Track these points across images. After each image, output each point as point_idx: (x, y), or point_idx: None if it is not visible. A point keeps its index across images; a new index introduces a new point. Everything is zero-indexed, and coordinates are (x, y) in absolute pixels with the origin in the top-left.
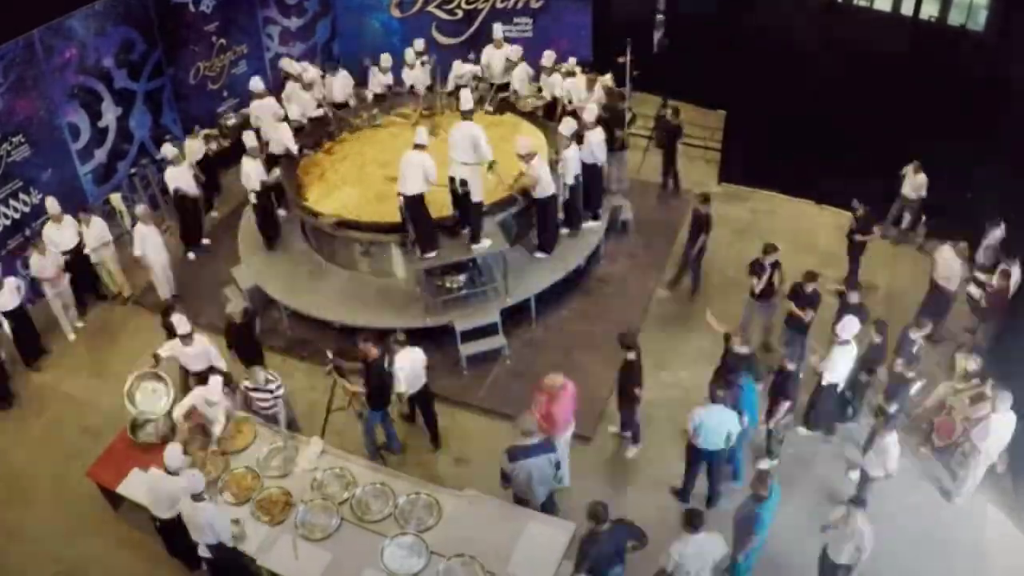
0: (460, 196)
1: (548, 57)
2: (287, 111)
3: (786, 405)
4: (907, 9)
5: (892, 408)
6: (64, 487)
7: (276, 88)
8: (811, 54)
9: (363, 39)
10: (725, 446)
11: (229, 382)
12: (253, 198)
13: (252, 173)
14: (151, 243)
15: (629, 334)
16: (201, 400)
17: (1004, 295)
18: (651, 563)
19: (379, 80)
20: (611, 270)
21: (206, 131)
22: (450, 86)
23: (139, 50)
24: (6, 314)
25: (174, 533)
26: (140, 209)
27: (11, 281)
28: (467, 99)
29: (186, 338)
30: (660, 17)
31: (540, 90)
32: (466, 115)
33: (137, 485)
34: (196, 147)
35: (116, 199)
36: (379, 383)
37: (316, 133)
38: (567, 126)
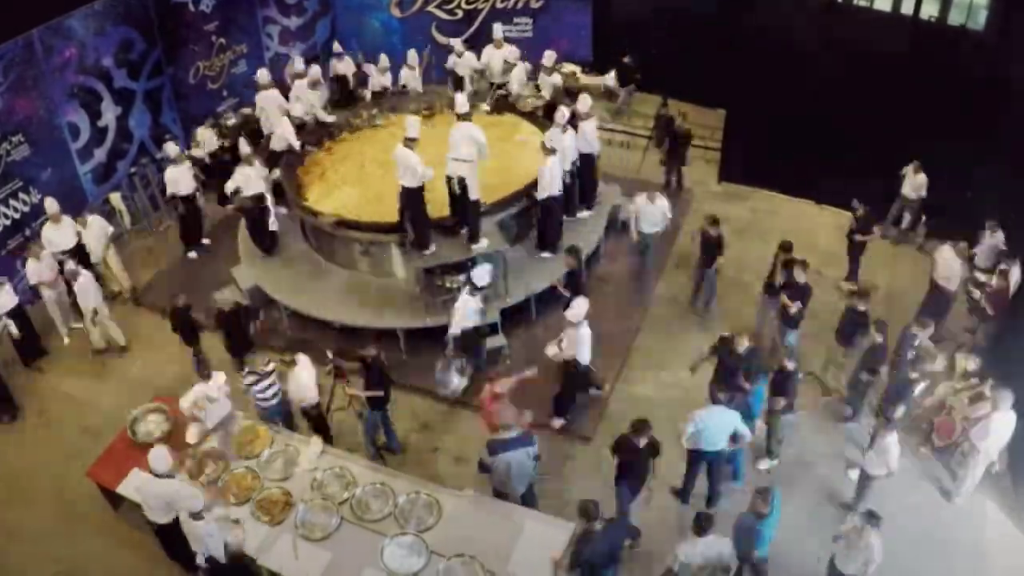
0: (457, 196)
1: (548, 57)
2: (291, 109)
3: (782, 403)
4: (907, 9)
5: (899, 411)
6: (64, 487)
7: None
8: (811, 54)
9: (363, 38)
10: (729, 447)
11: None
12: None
13: (244, 180)
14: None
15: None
16: (203, 395)
17: (1004, 295)
18: (648, 563)
19: (378, 80)
20: (611, 269)
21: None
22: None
23: (138, 49)
24: (8, 314)
25: (171, 536)
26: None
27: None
28: (462, 102)
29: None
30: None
31: (539, 89)
32: (463, 116)
33: (137, 485)
34: (209, 136)
35: (116, 198)
36: (379, 383)
37: (318, 132)
38: (560, 115)
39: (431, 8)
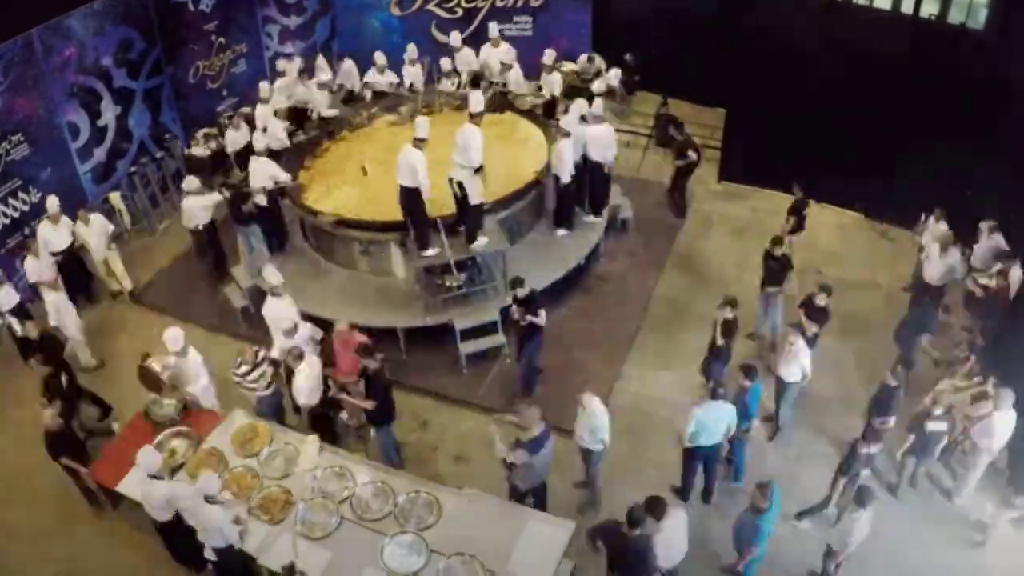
0: (459, 198)
1: (548, 55)
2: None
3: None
4: (907, 8)
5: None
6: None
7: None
8: (811, 54)
9: (363, 38)
10: (722, 440)
11: None
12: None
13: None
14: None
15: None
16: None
17: (1005, 295)
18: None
19: (377, 79)
20: (611, 268)
21: (205, 130)
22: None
23: (138, 49)
24: (10, 312)
25: (174, 534)
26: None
27: None
28: (477, 100)
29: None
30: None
31: (540, 88)
32: (474, 117)
33: (136, 484)
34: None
35: (115, 198)
36: (383, 396)
37: (318, 132)
38: (577, 108)
39: (431, 7)
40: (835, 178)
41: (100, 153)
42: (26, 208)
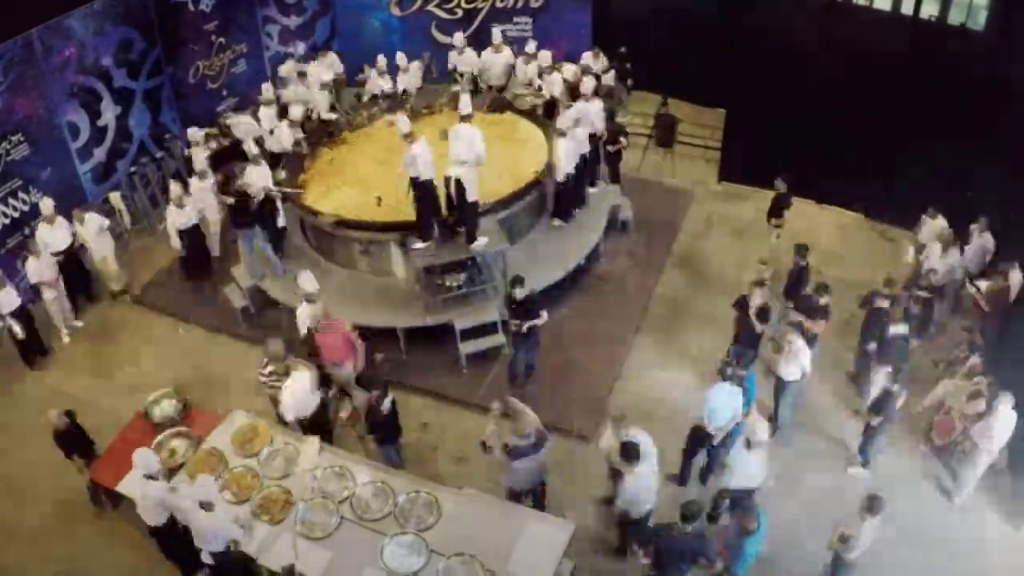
0: (454, 196)
1: (544, 57)
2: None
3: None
4: (907, 8)
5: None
6: (64, 487)
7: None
8: (811, 54)
9: (363, 38)
10: (728, 424)
11: None
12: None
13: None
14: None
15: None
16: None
17: (1005, 296)
18: None
19: (376, 82)
20: (611, 268)
21: (206, 130)
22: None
23: (138, 49)
24: (11, 315)
25: (168, 537)
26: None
27: None
28: (466, 103)
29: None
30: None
31: (540, 89)
32: (464, 118)
33: (136, 484)
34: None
35: (115, 198)
36: (390, 420)
37: (317, 133)
38: (575, 109)
39: (431, 7)
40: (835, 178)
41: (100, 153)
42: (26, 208)
